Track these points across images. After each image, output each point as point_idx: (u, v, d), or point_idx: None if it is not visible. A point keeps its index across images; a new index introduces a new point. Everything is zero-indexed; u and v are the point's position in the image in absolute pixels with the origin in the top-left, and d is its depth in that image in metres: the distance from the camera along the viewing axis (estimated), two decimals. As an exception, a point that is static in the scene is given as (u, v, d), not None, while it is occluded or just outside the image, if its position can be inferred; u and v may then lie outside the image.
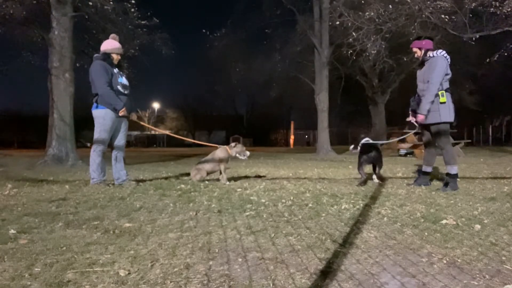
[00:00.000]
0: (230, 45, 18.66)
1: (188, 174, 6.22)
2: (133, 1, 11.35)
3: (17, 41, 12.79)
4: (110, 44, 4.33)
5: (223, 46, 18.74)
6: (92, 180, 4.42)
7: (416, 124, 4.20)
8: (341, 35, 13.17)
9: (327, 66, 14.74)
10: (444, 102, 3.82)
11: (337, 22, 12.38)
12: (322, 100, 14.80)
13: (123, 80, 4.38)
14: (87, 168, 8.14)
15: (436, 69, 3.82)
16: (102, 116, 4.25)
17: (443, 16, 10.92)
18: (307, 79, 16.63)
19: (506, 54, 12.52)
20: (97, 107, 4.27)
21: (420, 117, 3.96)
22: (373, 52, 12.29)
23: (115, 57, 4.33)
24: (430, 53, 3.97)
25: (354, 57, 13.08)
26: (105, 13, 10.56)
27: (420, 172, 4.40)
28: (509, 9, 10.33)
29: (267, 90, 22.63)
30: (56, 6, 8.87)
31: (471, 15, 11.16)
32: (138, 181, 4.81)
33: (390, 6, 11.20)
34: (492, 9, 10.70)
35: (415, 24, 11.34)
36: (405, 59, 13.74)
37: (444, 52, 3.94)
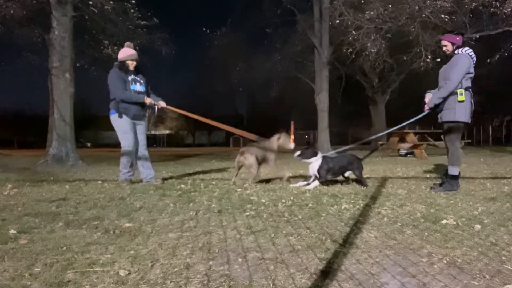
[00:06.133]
0: (230, 45, 18.68)
1: (188, 174, 6.23)
2: (133, 1, 11.35)
3: (17, 41, 12.80)
4: (124, 52, 4.56)
5: (224, 46, 18.75)
6: (119, 178, 4.71)
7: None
8: (341, 35, 13.16)
9: (327, 66, 14.74)
10: (462, 101, 3.71)
11: (337, 21, 12.38)
12: (322, 100, 14.79)
13: (136, 87, 4.60)
14: (87, 168, 8.19)
15: (457, 67, 3.70)
16: (117, 119, 4.50)
17: (443, 16, 10.92)
18: (307, 79, 16.63)
19: (506, 54, 12.52)
20: (112, 112, 4.53)
21: (426, 107, 3.95)
22: (373, 51, 12.28)
23: (130, 63, 4.55)
24: (457, 50, 3.82)
25: (354, 57, 13.08)
26: (105, 13, 10.55)
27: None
28: (509, 9, 10.34)
29: (267, 90, 22.64)
30: (56, 6, 8.87)
31: (471, 15, 11.17)
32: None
33: (390, 6, 11.20)
34: (492, 9, 10.71)
35: (415, 23, 11.34)
36: (405, 59, 13.74)
37: (470, 50, 3.80)
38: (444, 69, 3.93)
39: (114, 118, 4.50)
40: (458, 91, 3.71)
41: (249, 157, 4.46)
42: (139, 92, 4.62)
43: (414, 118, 4.32)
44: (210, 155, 15.42)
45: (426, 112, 4.04)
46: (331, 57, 15.23)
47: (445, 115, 3.84)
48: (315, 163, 4.26)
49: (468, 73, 3.74)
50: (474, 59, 3.80)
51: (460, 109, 3.73)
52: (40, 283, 1.49)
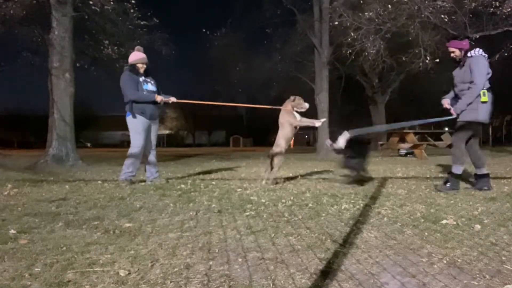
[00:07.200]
0: (230, 45, 18.66)
1: (188, 175, 6.23)
2: (133, 1, 11.35)
3: (17, 41, 12.80)
4: (135, 56, 4.72)
5: (223, 46, 18.74)
6: (120, 177, 4.74)
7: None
8: (341, 35, 13.16)
9: (327, 66, 14.72)
10: (486, 102, 3.72)
11: (336, 22, 12.38)
12: (322, 100, 14.78)
13: (148, 87, 4.75)
14: (87, 168, 8.19)
15: (479, 69, 3.70)
16: (132, 121, 4.62)
17: (443, 16, 10.91)
18: (307, 79, 16.62)
19: (506, 54, 12.51)
20: (128, 114, 4.65)
21: (452, 112, 3.92)
22: (372, 52, 12.28)
23: (140, 66, 4.71)
24: (469, 53, 3.82)
25: (354, 57, 13.07)
26: (105, 13, 10.54)
27: (476, 176, 4.09)
28: (509, 9, 10.33)
29: (267, 90, 22.58)
30: (56, 6, 8.86)
31: (471, 15, 11.16)
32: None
33: (390, 6, 11.19)
34: (492, 9, 10.70)
35: (415, 24, 11.33)
36: (404, 59, 13.73)
37: (481, 50, 3.81)
38: (462, 72, 3.88)
39: (129, 119, 4.62)
40: (481, 92, 3.72)
41: (276, 158, 4.54)
42: (150, 92, 4.73)
43: (441, 119, 4.22)
44: (210, 155, 15.43)
45: (453, 116, 3.96)
46: (331, 57, 15.21)
47: (466, 115, 3.81)
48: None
49: (487, 73, 3.76)
50: (486, 57, 3.82)
51: (482, 110, 3.75)
52: (40, 283, 1.49)
